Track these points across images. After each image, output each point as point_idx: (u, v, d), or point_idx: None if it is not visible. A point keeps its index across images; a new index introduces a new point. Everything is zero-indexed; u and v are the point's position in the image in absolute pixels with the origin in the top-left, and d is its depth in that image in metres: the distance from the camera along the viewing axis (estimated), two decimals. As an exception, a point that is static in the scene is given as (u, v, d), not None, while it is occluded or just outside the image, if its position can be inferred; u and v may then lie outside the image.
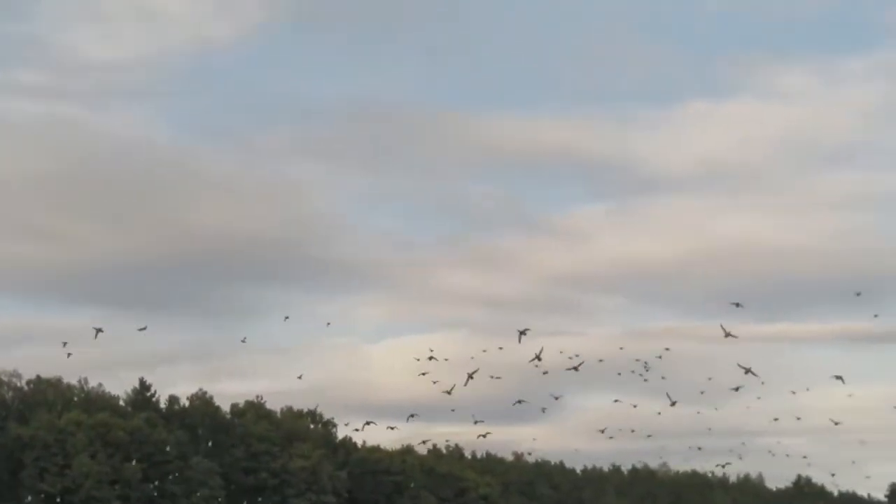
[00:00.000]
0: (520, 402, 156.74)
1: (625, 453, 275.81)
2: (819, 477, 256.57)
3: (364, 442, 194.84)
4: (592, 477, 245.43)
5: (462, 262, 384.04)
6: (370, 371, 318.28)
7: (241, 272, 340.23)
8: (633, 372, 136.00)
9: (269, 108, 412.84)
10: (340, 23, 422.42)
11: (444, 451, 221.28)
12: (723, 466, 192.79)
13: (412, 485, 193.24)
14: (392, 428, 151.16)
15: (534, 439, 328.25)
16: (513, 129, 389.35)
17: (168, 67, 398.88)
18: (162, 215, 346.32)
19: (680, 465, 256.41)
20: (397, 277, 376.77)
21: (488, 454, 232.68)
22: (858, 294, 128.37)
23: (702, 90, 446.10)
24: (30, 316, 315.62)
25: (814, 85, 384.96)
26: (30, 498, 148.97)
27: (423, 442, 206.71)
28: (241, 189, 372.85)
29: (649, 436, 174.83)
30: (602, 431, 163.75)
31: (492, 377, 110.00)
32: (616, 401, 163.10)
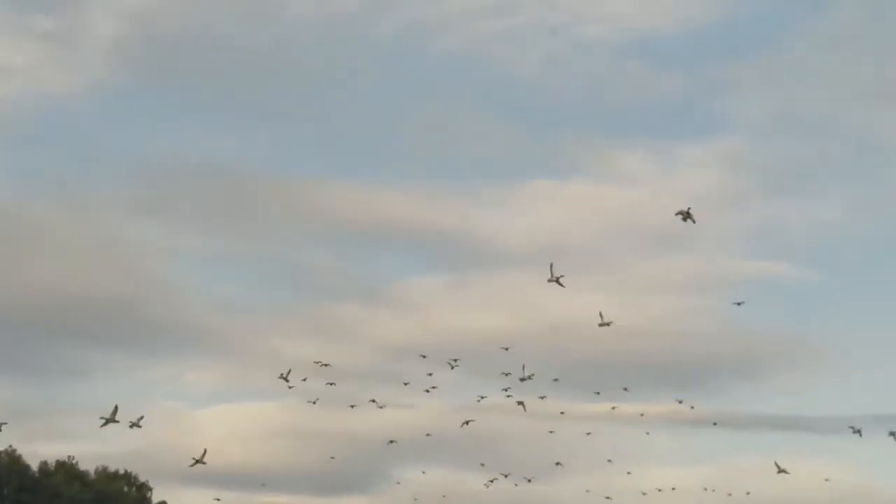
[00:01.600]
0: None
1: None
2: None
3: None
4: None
5: (297, 330, 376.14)
6: (197, 437, 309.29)
7: (69, 331, 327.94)
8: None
9: (108, 164, 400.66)
10: (186, 81, 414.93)
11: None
12: None
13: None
14: (217, 500, 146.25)
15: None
16: (357, 198, 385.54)
17: (3, 119, 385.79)
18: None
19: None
20: (231, 343, 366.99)
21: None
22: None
23: (544, 170, 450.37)
24: None
25: (650, 169, 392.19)
26: None
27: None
28: (75, 246, 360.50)
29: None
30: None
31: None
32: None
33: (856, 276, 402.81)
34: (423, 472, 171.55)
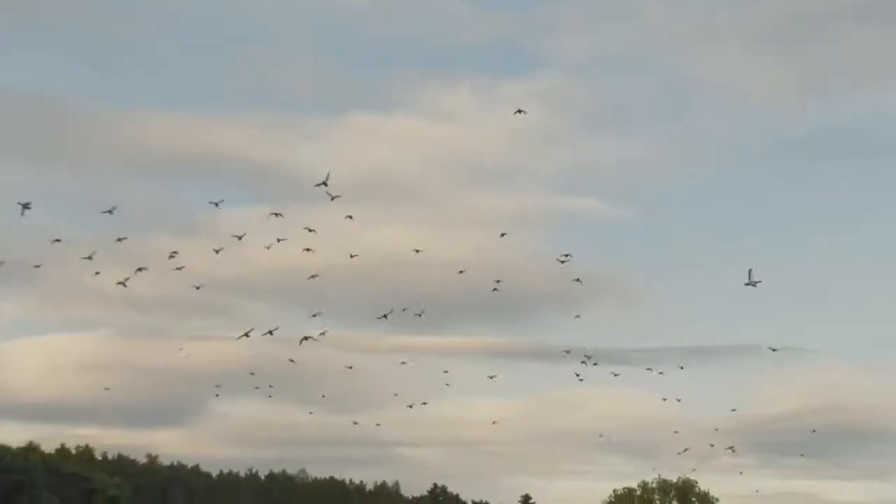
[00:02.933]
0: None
1: (267, 461, 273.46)
2: (454, 486, 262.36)
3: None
4: (228, 482, 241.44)
5: (112, 262, 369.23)
6: (5, 370, 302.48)
7: None
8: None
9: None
10: (8, 14, 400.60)
11: (74, 451, 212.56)
12: None
13: (34, 483, 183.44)
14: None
15: (172, 445, 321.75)
16: (176, 130, 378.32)
17: None
18: None
19: (320, 472, 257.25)
20: (44, 276, 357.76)
21: (120, 456, 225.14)
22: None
23: (366, 104, 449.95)
24: None
25: (472, 106, 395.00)
26: None
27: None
28: None
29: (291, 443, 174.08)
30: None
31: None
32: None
33: (665, 214, 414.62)
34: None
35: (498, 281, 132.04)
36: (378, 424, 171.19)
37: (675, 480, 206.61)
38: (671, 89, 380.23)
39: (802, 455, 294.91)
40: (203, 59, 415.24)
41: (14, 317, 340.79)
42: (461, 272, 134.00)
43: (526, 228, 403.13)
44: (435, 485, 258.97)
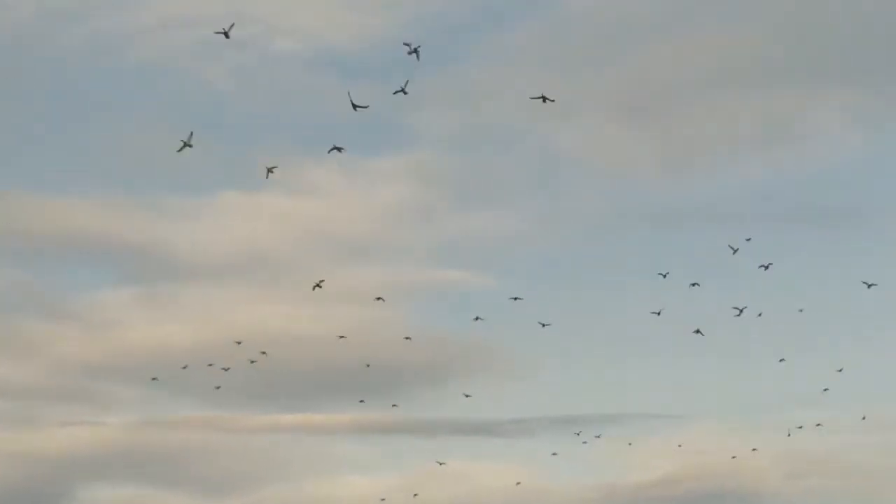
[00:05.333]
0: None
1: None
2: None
3: None
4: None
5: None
6: None
7: None
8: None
9: None
10: None
11: None
12: None
13: None
14: None
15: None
16: (40, 211, 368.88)
17: None
18: None
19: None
20: None
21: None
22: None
23: (235, 182, 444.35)
24: None
25: (341, 182, 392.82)
26: None
27: None
28: None
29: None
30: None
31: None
32: None
33: (535, 285, 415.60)
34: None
35: (367, 365, 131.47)
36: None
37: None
38: (537, 162, 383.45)
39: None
40: (67, 139, 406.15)
41: None
42: (342, 337, 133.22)
43: (397, 302, 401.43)
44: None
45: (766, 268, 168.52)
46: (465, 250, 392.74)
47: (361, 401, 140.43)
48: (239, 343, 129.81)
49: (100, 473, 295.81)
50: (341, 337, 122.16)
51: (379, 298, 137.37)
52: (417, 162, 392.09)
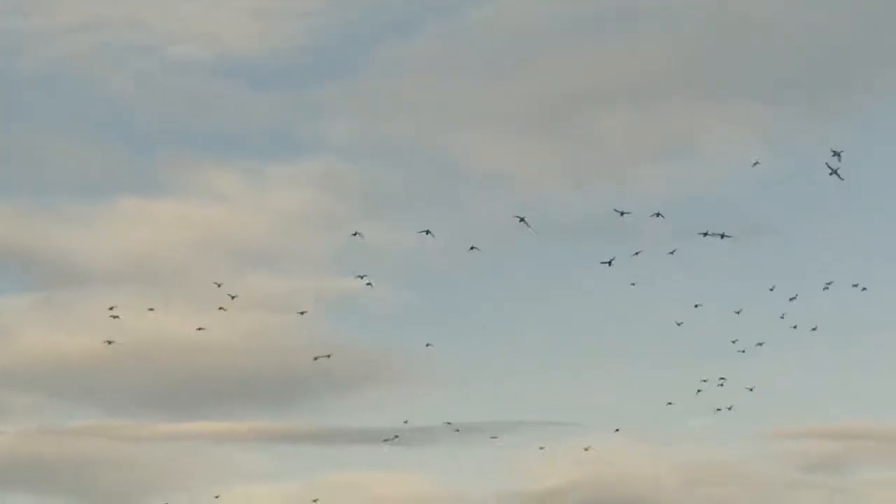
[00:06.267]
0: None
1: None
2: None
3: None
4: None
5: None
6: None
7: None
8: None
9: None
10: None
11: None
12: None
13: None
14: None
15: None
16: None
17: None
18: None
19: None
20: None
21: None
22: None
23: (132, 188, 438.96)
24: None
25: (242, 188, 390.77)
26: None
27: None
28: None
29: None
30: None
31: None
32: None
33: (437, 296, 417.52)
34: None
35: (272, 377, 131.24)
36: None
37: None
38: (437, 171, 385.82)
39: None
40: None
41: None
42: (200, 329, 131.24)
43: (299, 310, 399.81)
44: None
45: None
46: (366, 259, 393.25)
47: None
48: (110, 343, 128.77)
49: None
50: (199, 329, 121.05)
51: (303, 312, 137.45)
52: (319, 169, 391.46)
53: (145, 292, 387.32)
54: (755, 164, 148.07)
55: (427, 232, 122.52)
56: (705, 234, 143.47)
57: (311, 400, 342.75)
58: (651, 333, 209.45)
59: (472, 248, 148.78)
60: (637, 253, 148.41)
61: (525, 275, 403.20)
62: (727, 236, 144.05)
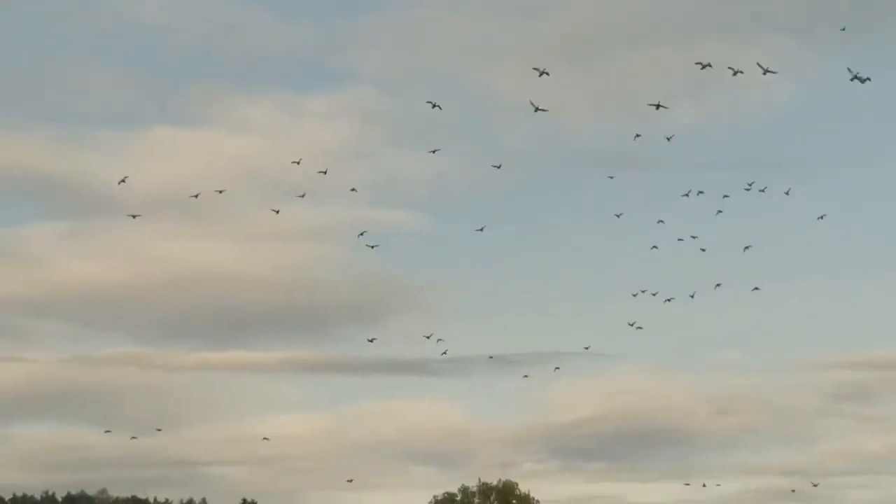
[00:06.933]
0: None
1: (64, 484, 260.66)
2: (264, 501, 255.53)
3: None
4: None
5: None
6: None
7: None
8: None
9: None
10: None
11: None
12: None
13: None
14: None
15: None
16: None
17: None
18: None
19: (121, 492, 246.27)
20: None
21: None
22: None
23: (166, 117, 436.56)
24: None
25: (277, 120, 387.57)
26: None
27: None
28: None
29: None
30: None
31: None
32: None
33: (468, 225, 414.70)
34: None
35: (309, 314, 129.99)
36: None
37: (495, 483, 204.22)
38: (472, 103, 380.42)
39: (604, 459, 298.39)
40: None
41: None
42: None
43: (333, 242, 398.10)
44: (244, 500, 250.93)
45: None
46: (400, 190, 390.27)
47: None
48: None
49: (26, 411, 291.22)
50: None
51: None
52: (353, 100, 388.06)
53: (177, 223, 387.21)
54: (784, 99, 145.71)
55: (434, 105, 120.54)
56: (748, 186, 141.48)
57: (343, 331, 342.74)
58: (680, 265, 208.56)
59: (496, 165, 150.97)
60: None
61: (559, 207, 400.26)
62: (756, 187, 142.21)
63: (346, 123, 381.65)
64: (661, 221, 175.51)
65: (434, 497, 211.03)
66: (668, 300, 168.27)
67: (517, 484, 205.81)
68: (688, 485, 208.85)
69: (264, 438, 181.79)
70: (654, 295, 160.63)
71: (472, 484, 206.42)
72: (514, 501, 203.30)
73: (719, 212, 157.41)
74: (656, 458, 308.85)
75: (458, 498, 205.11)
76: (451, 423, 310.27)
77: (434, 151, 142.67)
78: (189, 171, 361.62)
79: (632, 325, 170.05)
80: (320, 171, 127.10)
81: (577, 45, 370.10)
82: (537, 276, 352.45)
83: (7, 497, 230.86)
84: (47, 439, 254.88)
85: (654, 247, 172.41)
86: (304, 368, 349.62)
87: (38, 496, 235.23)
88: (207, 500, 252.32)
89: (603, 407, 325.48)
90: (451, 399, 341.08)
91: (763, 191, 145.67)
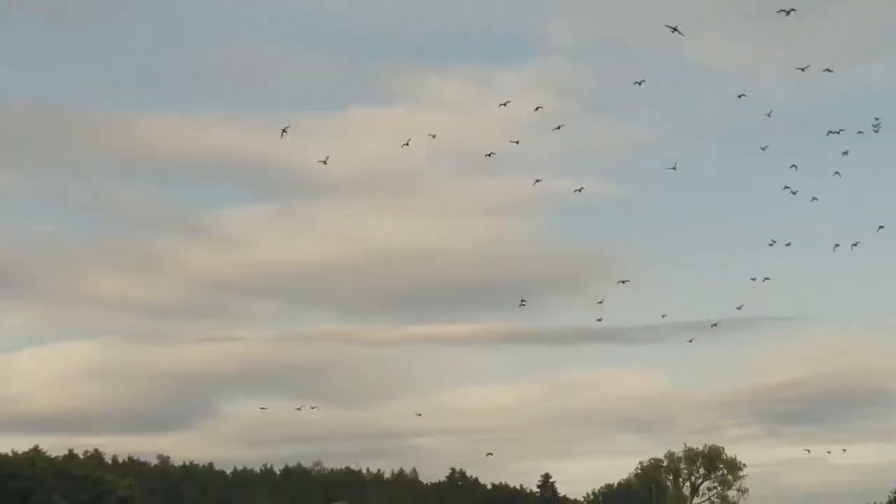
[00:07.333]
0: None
1: (279, 457, 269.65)
2: (472, 471, 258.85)
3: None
4: (243, 479, 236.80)
5: (114, 266, 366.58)
6: (11, 381, 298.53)
7: None
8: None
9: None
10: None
11: (82, 456, 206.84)
12: None
13: (43, 489, 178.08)
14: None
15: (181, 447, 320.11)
16: (171, 130, 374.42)
17: None
18: None
19: (334, 464, 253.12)
20: (43, 283, 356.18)
21: (130, 458, 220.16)
22: (523, 303, 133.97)
23: (363, 97, 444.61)
24: None
25: (469, 94, 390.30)
26: None
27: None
28: None
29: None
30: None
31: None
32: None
33: (665, 193, 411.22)
34: (263, 408, 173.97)
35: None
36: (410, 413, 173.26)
37: (701, 448, 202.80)
38: (667, 71, 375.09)
39: (807, 422, 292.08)
40: (198, 60, 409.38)
41: (16, 328, 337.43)
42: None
43: (528, 213, 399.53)
44: (453, 469, 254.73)
45: None
46: (594, 159, 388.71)
47: (523, 301, 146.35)
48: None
49: (243, 388, 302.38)
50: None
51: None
52: (545, 73, 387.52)
53: (379, 200, 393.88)
54: None
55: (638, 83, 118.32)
56: None
57: (544, 301, 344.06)
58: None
59: (690, 133, 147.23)
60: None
61: (746, 169, 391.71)
62: None
63: (537, 94, 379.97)
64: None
65: (640, 463, 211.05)
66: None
67: (723, 448, 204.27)
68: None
69: (417, 414, 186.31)
70: (853, 246, 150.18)
71: (678, 450, 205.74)
72: (720, 466, 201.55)
73: None
74: (859, 420, 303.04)
75: (665, 464, 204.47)
76: (653, 390, 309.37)
77: (629, 121, 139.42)
78: (387, 149, 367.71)
79: (834, 287, 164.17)
80: (512, 141, 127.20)
81: (773, 7, 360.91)
82: (737, 244, 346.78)
83: (228, 471, 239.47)
84: (263, 415, 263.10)
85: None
86: (508, 339, 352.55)
87: (257, 469, 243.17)
88: (417, 470, 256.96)
89: (805, 370, 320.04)
90: (654, 366, 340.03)
91: None
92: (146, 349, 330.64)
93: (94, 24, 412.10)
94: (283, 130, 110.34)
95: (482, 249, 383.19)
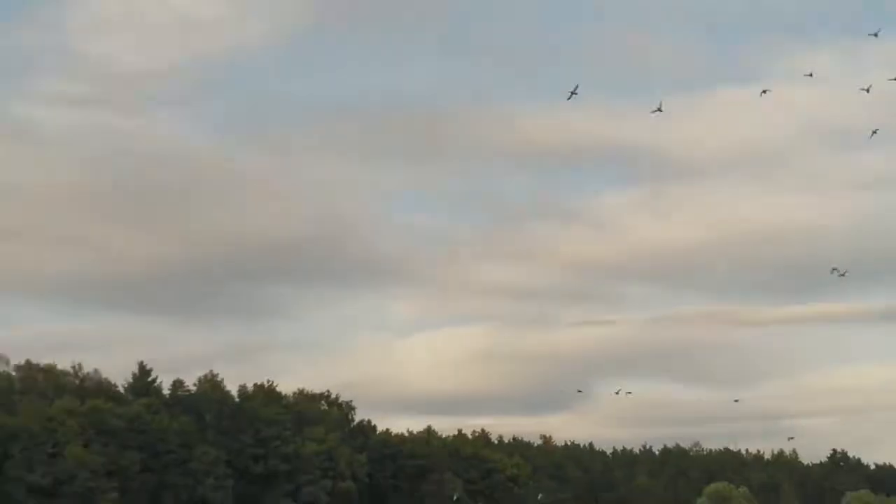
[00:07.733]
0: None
1: (657, 438, 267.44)
2: (854, 452, 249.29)
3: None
4: (623, 458, 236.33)
5: (495, 255, 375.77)
6: (403, 365, 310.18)
7: (277, 272, 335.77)
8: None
9: (302, 107, 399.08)
10: (363, 22, 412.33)
11: (470, 436, 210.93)
12: None
13: (437, 467, 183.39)
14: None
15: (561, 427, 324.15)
16: (544, 120, 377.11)
17: (201, 72, 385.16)
18: (197, 219, 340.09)
19: (712, 445, 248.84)
20: (430, 272, 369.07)
21: (515, 438, 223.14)
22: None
23: (729, 77, 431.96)
24: (67, 322, 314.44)
25: (837, 69, 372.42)
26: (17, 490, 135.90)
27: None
28: (276, 189, 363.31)
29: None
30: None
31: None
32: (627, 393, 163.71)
33: None
34: (628, 393, 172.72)
35: None
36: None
37: None
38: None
39: None
40: (557, 49, 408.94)
41: (408, 315, 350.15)
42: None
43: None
44: (834, 450, 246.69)
45: None
46: None
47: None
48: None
49: (620, 370, 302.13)
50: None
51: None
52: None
53: (749, 180, 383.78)
54: None
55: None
56: None
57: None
58: None
59: None
60: None
61: None
62: None
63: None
64: None
65: None
66: None
67: None
68: None
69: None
70: None
71: None
72: None
73: None
74: None
75: None
76: None
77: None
78: (754, 129, 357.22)
79: None
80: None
81: None
82: None
83: (608, 450, 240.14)
84: (642, 396, 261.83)
85: None
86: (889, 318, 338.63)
87: (636, 450, 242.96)
88: (798, 451, 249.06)
89: None
90: None
91: None
92: (527, 333, 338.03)
93: (467, 23, 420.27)
94: (658, 109, 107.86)
95: (856, 225, 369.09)
